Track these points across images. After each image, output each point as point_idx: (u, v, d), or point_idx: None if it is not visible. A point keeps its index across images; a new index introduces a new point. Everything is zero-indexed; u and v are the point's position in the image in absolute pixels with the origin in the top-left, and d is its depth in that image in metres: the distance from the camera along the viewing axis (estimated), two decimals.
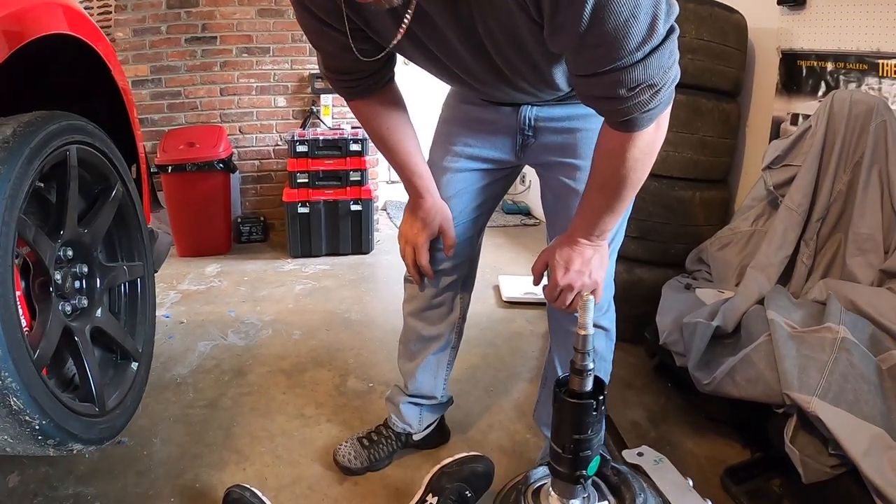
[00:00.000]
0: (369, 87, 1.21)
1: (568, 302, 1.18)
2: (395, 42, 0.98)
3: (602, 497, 0.85)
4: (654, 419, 1.91)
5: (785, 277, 1.85)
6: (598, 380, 0.78)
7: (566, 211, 1.25)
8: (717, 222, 2.26)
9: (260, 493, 1.46)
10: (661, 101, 0.88)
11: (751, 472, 1.57)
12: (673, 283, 2.07)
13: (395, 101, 1.28)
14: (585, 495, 0.84)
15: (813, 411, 1.28)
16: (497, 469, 1.56)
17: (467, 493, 1.44)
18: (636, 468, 0.95)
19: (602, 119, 1.06)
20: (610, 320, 1.40)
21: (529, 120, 1.27)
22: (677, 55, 0.85)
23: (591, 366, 0.77)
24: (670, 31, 0.82)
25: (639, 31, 0.76)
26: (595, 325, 1.32)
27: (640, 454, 1.00)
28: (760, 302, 1.70)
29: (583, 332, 0.76)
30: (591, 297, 0.77)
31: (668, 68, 0.83)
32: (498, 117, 1.31)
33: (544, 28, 0.84)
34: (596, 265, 1.15)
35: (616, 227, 1.17)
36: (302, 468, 1.68)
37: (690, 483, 0.93)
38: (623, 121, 0.91)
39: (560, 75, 1.07)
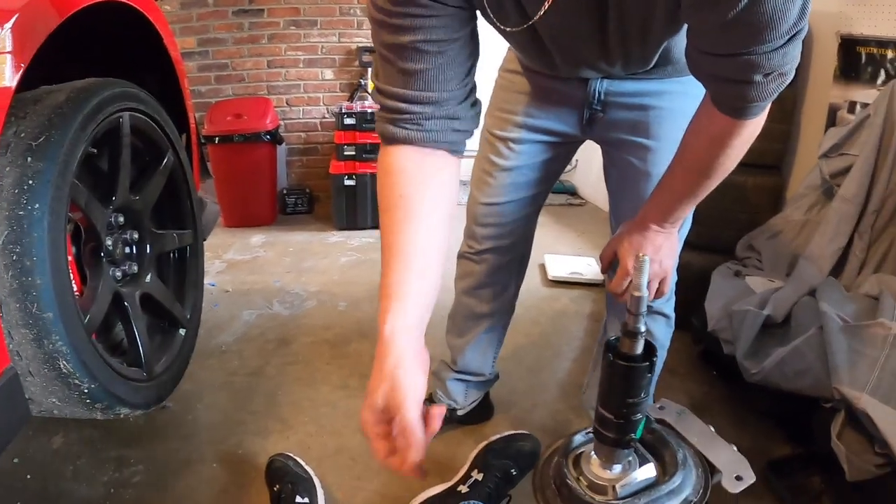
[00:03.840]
0: (434, 131, 0.90)
1: None
2: (542, 12, 0.85)
3: (644, 460, 0.82)
4: (696, 407, 1.87)
5: (837, 270, 1.78)
6: (647, 343, 0.75)
7: (633, 193, 1.21)
8: (769, 209, 2.18)
9: (303, 463, 1.48)
10: (780, 91, 0.83)
11: (793, 467, 1.53)
12: (722, 270, 2.01)
13: (448, 176, 0.94)
14: (629, 459, 0.82)
15: (862, 408, 1.24)
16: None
17: (512, 471, 1.43)
18: (661, 422, 0.91)
19: (679, 97, 1.00)
20: (671, 308, 1.36)
21: (599, 93, 1.19)
22: None
23: (643, 328, 0.74)
24: None
25: (793, 14, 0.70)
26: (658, 313, 1.31)
27: (661, 408, 0.94)
28: (812, 293, 1.64)
29: (637, 294, 0.73)
30: (647, 257, 0.73)
31: (797, 57, 0.78)
32: (566, 89, 1.22)
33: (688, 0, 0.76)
34: (666, 253, 1.11)
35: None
36: (345, 438, 1.70)
37: (712, 430, 0.90)
38: (742, 107, 0.85)
39: (658, 53, 1.02)
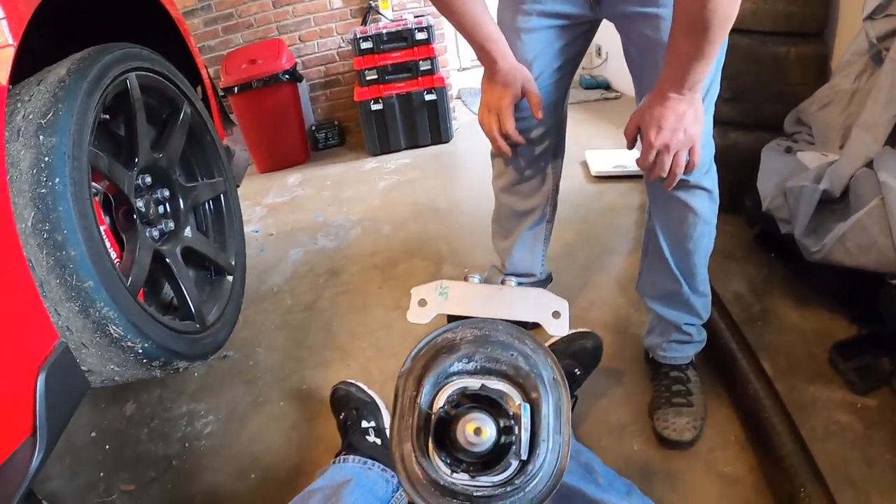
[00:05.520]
0: None
1: (666, 166, 1.10)
2: None
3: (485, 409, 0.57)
4: (757, 291, 1.82)
5: (894, 138, 1.66)
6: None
7: (653, 66, 1.14)
8: (815, 80, 2.03)
9: (365, 387, 1.49)
10: None
11: (859, 349, 1.48)
12: (772, 147, 1.91)
13: None
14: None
15: None
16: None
17: (576, 370, 1.41)
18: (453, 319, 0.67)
19: None
20: (712, 181, 1.29)
21: None
22: None
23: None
24: None
25: None
26: (698, 187, 1.24)
27: (421, 303, 0.69)
28: (869, 164, 1.53)
29: None
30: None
31: None
32: None
33: None
34: (690, 120, 1.06)
35: (710, 77, 1.08)
36: (405, 359, 1.71)
37: (477, 280, 0.67)
38: None
39: None
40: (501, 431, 0.51)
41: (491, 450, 0.52)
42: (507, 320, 0.64)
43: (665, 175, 1.12)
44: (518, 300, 0.67)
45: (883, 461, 1.24)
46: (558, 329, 0.65)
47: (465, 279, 0.68)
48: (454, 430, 0.52)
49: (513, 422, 0.49)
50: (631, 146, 1.16)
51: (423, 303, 0.68)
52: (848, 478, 1.21)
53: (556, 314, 0.66)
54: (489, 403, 0.53)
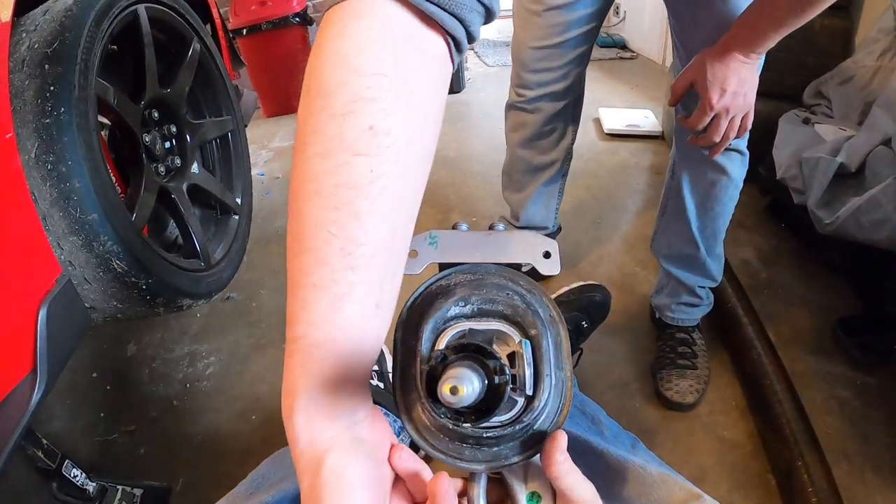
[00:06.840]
0: None
1: (722, 130, 1.06)
2: None
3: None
4: (764, 260, 1.81)
5: None
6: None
7: (706, 22, 1.06)
8: (838, 54, 1.98)
9: None
10: None
11: (863, 326, 1.48)
12: (790, 117, 1.87)
13: (437, 88, 0.51)
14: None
15: None
16: None
17: (584, 323, 1.41)
18: (445, 266, 0.62)
19: None
20: (745, 144, 1.26)
21: None
22: None
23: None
24: None
25: None
26: (734, 150, 1.21)
27: (412, 254, 0.61)
28: (887, 143, 1.51)
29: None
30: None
31: None
32: None
33: None
34: (750, 87, 1.02)
35: None
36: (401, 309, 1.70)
37: (466, 228, 0.63)
38: None
39: None
40: (493, 372, 0.49)
41: (482, 398, 0.47)
42: (499, 263, 0.63)
43: (718, 140, 1.08)
44: (508, 243, 0.65)
45: (879, 440, 1.24)
46: (550, 269, 0.63)
47: (454, 228, 0.66)
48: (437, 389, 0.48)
49: (503, 362, 0.46)
50: (675, 103, 1.12)
51: (413, 254, 0.64)
52: (844, 452, 1.22)
53: (546, 254, 0.64)
54: (477, 350, 0.48)
